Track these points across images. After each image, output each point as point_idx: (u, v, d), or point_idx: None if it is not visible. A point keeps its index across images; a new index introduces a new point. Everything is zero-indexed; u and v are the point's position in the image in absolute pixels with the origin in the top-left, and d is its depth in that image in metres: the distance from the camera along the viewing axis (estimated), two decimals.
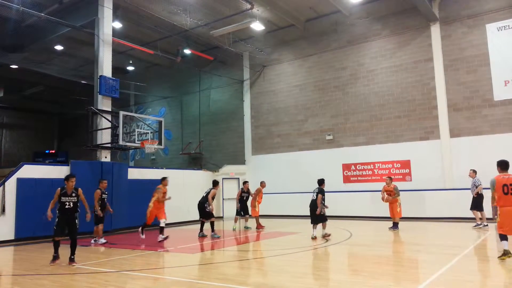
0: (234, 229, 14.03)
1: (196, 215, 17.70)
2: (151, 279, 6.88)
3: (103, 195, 11.24)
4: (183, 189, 17.49)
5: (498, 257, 7.26)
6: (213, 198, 12.16)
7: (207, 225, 12.46)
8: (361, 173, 17.29)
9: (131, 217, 14.50)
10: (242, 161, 20.88)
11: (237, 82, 21.54)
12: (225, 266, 8.08)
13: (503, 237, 7.21)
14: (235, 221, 14.31)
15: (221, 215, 19.14)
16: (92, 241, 11.33)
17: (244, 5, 15.86)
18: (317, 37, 19.15)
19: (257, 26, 17.05)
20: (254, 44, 20.15)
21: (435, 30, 16.15)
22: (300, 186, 17.15)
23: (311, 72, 19.27)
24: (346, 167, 17.66)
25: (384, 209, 15.86)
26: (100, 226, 11.27)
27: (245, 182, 14.62)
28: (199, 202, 12.33)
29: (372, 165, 17.08)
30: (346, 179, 17.59)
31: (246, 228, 14.25)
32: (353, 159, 17.50)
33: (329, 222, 11.54)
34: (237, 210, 14.08)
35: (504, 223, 7.16)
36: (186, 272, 7.41)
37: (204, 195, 12.34)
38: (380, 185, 16.51)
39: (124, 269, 7.70)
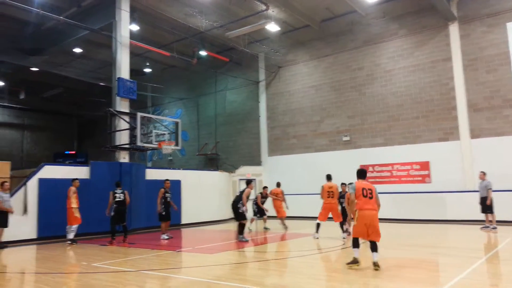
0: (250, 230, 14.08)
1: (213, 216, 17.97)
2: (170, 279, 6.94)
3: (166, 194, 12.17)
4: (200, 190, 17.62)
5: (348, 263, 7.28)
6: (247, 197, 11.70)
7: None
8: (379, 175, 17.10)
9: (149, 217, 14.67)
10: (258, 162, 20.90)
11: (252, 83, 21.58)
12: (243, 266, 8.10)
13: (356, 244, 7.32)
14: (251, 222, 14.37)
15: None
16: (161, 236, 12.26)
17: (259, 6, 15.89)
18: (333, 38, 19.04)
19: (272, 27, 17.02)
20: (269, 45, 20.15)
21: (454, 29, 15.89)
22: (317, 188, 17.07)
23: (327, 72, 19.17)
24: (364, 168, 17.48)
25: (404, 212, 15.76)
26: (163, 224, 12.28)
27: (264, 187, 14.83)
28: (233, 201, 11.92)
29: (390, 167, 16.87)
30: None
31: (266, 229, 14.31)
32: (371, 160, 17.32)
33: (346, 225, 11.53)
34: (254, 211, 14.19)
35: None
36: (204, 272, 7.45)
37: (238, 194, 12.02)
38: (399, 187, 16.42)
39: (143, 268, 7.79)
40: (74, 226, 11.72)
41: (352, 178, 17.92)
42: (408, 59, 16.94)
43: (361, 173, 7.79)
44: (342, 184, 12.29)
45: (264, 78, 21.35)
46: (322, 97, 19.19)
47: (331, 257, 8.97)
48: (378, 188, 16.77)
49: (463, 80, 15.57)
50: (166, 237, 12.16)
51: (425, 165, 16.08)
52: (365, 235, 7.29)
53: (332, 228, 12.06)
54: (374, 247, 7.14)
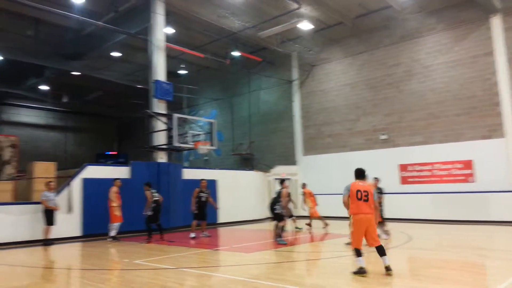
0: (299, 229, 14.16)
1: (249, 215, 18.07)
2: (208, 277, 7.04)
3: (200, 193, 12.37)
4: (235, 189, 17.77)
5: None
6: (288, 197, 11.38)
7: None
8: (419, 174, 16.58)
9: (186, 216, 14.94)
10: (293, 162, 20.80)
11: (286, 82, 21.51)
12: (280, 266, 8.09)
13: (358, 253, 6.70)
14: (294, 221, 14.39)
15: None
16: (200, 234, 12.53)
17: (292, 5, 15.81)
18: (368, 34, 18.67)
19: (305, 26, 16.89)
20: (302, 44, 20.00)
21: (496, 22, 15.16)
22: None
23: (362, 70, 18.81)
24: (403, 167, 17.02)
25: (445, 212, 15.20)
26: (194, 222, 12.43)
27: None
28: (270, 203, 11.67)
29: (431, 166, 16.31)
30: (404, 180, 16.95)
31: (298, 228, 14.23)
32: (410, 159, 16.84)
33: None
34: None
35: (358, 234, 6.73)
36: (241, 271, 7.51)
37: (275, 196, 11.76)
38: (440, 187, 15.86)
39: (183, 266, 7.94)
40: (116, 224, 12.20)
41: (390, 177, 17.57)
42: (448, 54, 16.34)
43: (359, 173, 7.11)
44: (375, 179, 11.94)
45: (297, 77, 21.23)
46: (358, 95, 18.85)
47: (371, 258, 8.79)
48: (418, 188, 16.53)
49: (507, 74, 14.84)
50: (193, 236, 12.21)
51: (467, 164, 15.45)
52: (362, 242, 6.80)
53: None
54: (381, 251, 6.68)
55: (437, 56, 16.62)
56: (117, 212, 12.20)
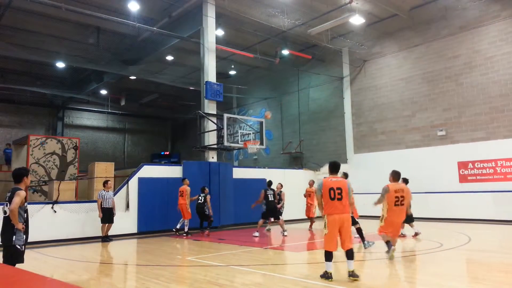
0: (268, 230, 14.01)
1: (298, 214, 17.90)
2: (258, 275, 7.06)
3: (266, 192, 12.77)
4: (285, 188, 17.63)
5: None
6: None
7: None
8: (480, 172, 15.53)
9: (237, 214, 15.15)
10: (344, 160, 20.34)
11: (336, 79, 21.09)
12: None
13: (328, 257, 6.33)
14: (269, 223, 14.12)
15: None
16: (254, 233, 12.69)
17: (343, 0, 15.44)
18: (424, 26, 17.79)
19: (357, 20, 16.39)
20: (354, 39, 19.47)
21: None
22: (409, 186, 16.14)
23: (418, 63, 17.96)
24: (463, 165, 16.03)
25: (510, 212, 14.15)
26: (260, 221, 12.73)
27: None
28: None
29: (493, 163, 15.23)
30: (463, 179, 15.97)
31: (268, 230, 13.99)
32: (471, 157, 15.82)
33: (444, 225, 10.71)
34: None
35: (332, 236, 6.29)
36: (291, 270, 7.46)
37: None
38: (504, 185, 14.76)
39: (233, 263, 8.03)
40: (187, 220, 13.02)
41: (448, 175, 16.59)
42: None
43: (333, 167, 6.55)
44: (403, 179, 11.30)
45: (348, 73, 20.73)
46: (413, 89, 18.03)
47: (427, 260, 8.37)
48: (479, 186, 15.50)
49: None
50: (256, 234, 12.54)
51: None
52: (336, 245, 6.30)
53: (430, 229, 11.24)
54: (350, 254, 6.27)
55: (501, 46, 15.46)
56: (189, 209, 12.95)
